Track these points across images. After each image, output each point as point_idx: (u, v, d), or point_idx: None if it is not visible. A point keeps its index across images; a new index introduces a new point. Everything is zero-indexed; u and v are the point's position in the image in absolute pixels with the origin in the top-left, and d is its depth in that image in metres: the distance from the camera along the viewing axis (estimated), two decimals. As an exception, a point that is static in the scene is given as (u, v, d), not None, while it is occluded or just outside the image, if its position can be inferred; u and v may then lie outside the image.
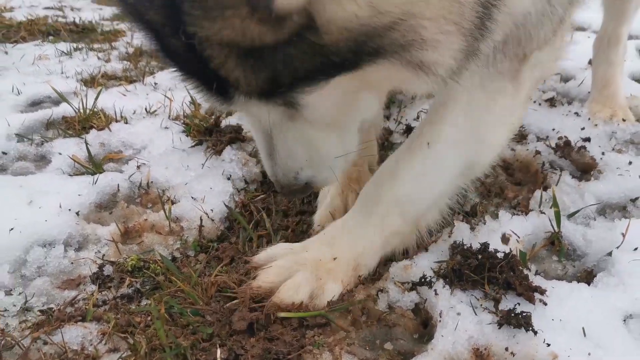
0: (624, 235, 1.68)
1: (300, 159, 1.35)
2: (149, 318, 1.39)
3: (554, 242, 1.77)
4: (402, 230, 1.60)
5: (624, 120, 2.53)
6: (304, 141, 1.32)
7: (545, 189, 2.00)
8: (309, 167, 1.37)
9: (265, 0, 0.89)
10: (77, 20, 4.13)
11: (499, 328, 1.38)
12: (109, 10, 4.64)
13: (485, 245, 1.57)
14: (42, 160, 2.28)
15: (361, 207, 1.59)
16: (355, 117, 1.36)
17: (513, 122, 1.63)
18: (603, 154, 2.25)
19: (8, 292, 1.51)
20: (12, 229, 1.71)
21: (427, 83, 1.14)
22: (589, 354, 1.32)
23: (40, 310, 1.43)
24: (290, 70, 1.03)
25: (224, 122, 2.42)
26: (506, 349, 1.34)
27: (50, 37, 3.84)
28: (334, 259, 1.51)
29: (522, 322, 1.37)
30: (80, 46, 3.61)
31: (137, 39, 3.85)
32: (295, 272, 1.46)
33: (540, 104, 2.77)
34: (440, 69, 1.11)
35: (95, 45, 3.66)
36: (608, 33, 2.64)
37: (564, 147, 2.26)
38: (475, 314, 1.42)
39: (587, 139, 2.35)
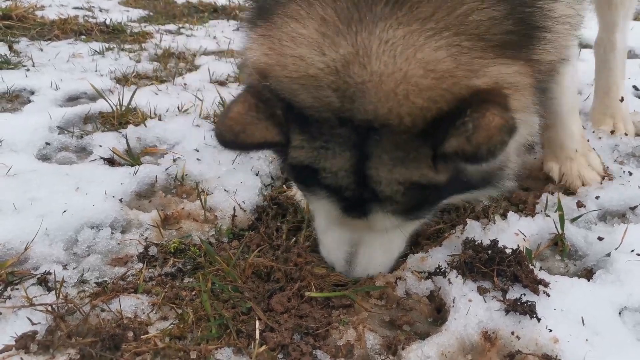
0: (622, 238, 1.84)
1: (377, 263, 1.68)
2: (193, 293, 1.55)
3: (558, 243, 1.92)
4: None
5: (626, 134, 2.66)
6: (386, 246, 1.65)
7: (551, 193, 2.16)
8: (380, 268, 1.69)
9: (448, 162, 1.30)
10: (107, 21, 4.31)
11: (506, 314, 1.54)
12: (135, 12, 4.83)
13: (495, 242, 1.73)
14: (83, 152, 2.46)
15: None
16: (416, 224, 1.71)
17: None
18: (607, 167, 2.41)
19: (64, 267, 1.67)
20: (64, 211, 1.88)
21: (492, 196, 1.72)
22: (587, 339, 1.47)
23: (96, 283, 1.60)
24: (440, 196, 1.46)
25: (252, 123, 2.58)
26: (512, 333, 1.50)
27: (83, 37, 4.02)
28: (576, 150, 2.27)
29: (527, 309, 1.53)
30: (111, 46, 3.79)
31: (165, 41, 4.04)
32: None
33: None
34: (508, 188, 1.58)
35: (126, 46, 3.84)
36: (604, 41, 2.74)
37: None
38: (485, 302, 1.57)
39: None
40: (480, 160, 1.18)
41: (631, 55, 4.15)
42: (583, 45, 4.31)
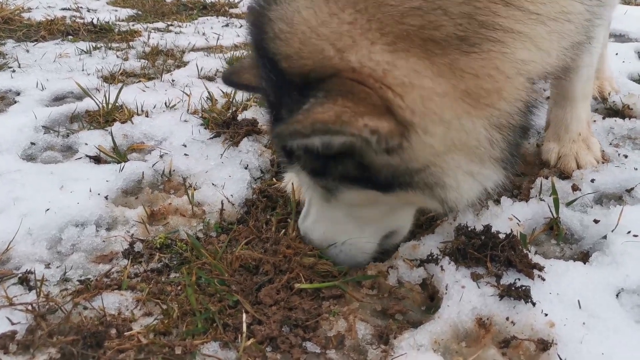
0: (618, 220, 1.80)
1: (322, 230, 1.63)
2: (179, 288, 1.52)
3: (553, 227, 1.88)
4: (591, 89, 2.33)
5: (609, 94, 2.86)
6: (327, 217, 1.61)
7: (546, 178, 2.12)
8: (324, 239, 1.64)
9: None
10: (94, 21, 4.26)
11: (500, 300, 1.50)
12: (124, 12, 4.78)
13: (487, 227, 1.69)
14: (69, 151, 2.41)
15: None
16: (389, 221, 1.64)
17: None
18: (603, 150, 2.37)
19: (47, 265, 1.63)
20: (47, 209, 1.84)
21: (446, 210, 1.47)
22: (584, 323, 1.44)
23: (79, 280, 1.56)
24: (340, 171, 1.36)
25: (240, 116, 2.54)
26: (507, 319, 1.46)
27: (70, 37, 3.97)
28: (579, 134, 2.28)
29: (521, 294, 1.50)
30: (99, 45, 3.75)
31: (153, 39, 3.99)
32: None
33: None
34: (459, 205, 1.42)
35: (114, 45, 3.80)
36: None
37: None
38: (479, 287, 1.54)
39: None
40: (284, 139, 1.22)
41: (625, 39, 4.13)
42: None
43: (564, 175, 2.21)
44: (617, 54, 3.63)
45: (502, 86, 1.28)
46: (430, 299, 1.60)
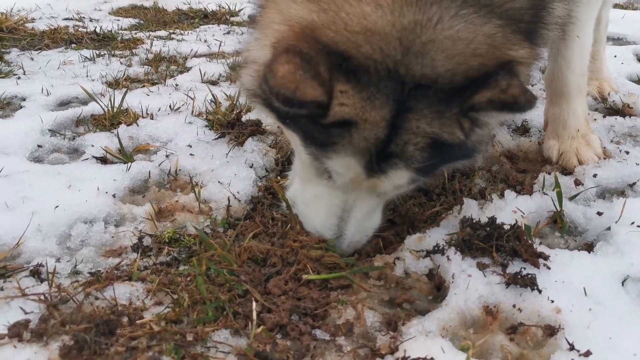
0: (621, 211, 1.82)
1: (364, 229, 1.69)
2: (188, 278, 1.53)
3: (557, 220, 1.90)
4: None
5: (609, 94, 2.90)
6: (374, 213, 1.70)
7: (548, 173, 2.14)
8: (364, 236, 1.71)
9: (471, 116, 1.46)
10: (97, 30, 4.30)
11: (507, 288, 1.52)
12: (126, 21, 4.83)
13: (492, 219, 1.71)
14: (75, 153, 2.43)
15: (557, 94, 2.36)
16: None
17: None
18: (604, 147, 2.40)
19: (57, 260, 1.65)
20: (57, 206, 1.86)
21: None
22: (590, 309, 1.45)
23: (89, 273, 1.58)
24: (443, 159, 1.53)
25: (245, 118, 2.57)
26: (514, 306, 1.48)
27: (73, 45, 4.01)
28: (577, 130, 2.36)
29: (528, 282, 1.51)
30: (102, 53, 3.78)
31: (156, 46, 4.03)
32: None
33: (537, 99, 2.91)
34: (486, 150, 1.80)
35: (117, 52, 3.83)
36: None
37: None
38: (485, 276, 1.55)
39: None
40: (520, 109, 1.39)
41: (623, 42, 4.17)
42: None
43: (567, 171, 2.23)
44: (615, 56, 3.67)
45: None
46: (437, 289, 1.62)
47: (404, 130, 1.40)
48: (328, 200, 1.63)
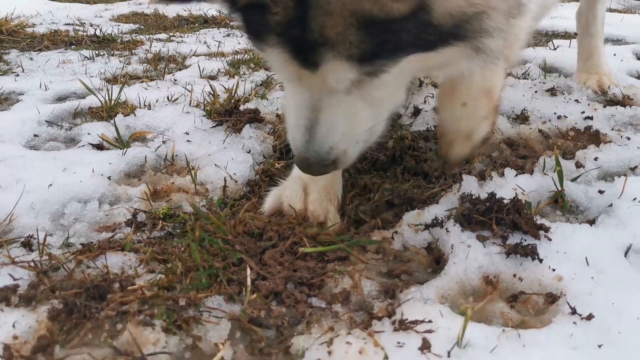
0: (623, 188, 1.80)
1: (339, 132, 1.43)
2: (182, 248, 1.50)
3: (558, 200, 1.88)
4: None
5: (609, 87, 2.91)
6: (349, 114, 1.42)
7: (549, 157, 2.11)
8: (343, 142, 1.45)
9: None
10: (97, 33, 4.32)
11: (507, 257, 1.49)
12: (126, 26, 4.84)
13: (492, 194, 1.68)
14: (72, 142, 2.42)
15: None
16: (394, 96, 1.51)
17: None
18: (605, 133, 2.38)
19: (50, 234, 1.62)
20: (50, 185, 1.83)
21: (478, 65, 1.41)
22: (592, 277, 1.42)
23: (82, 244, 1.55)
24: (396, 41, 1.22)
25: (243, 107, 2.56)
26: (514, 275, 1.44)
27: (73, 46, 4.02)
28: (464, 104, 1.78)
29: (528, 251, 1.48)
30: (102, 53, 3.79)
31: (156, 47, 4.03)
32: None
33: (537, 92, 2.90)
34: (495, 52, 1.37)
35: (116, 52, 3.84)
36: (585, 11, 3.02)
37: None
38: (484, 247, 1.52)
39: (590, 117, 2.50)
40: None
41: (622, 42, 4.18)
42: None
43: (568, 155, 2.21)
44: (615, 54, 3.68)
45: None
46: (437, 262, 1.58)
47: (316, 9, 1.14)
48: (296, 102, 1.43)
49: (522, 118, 2.56)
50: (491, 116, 1.82)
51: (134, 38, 4.25)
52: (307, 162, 1.46)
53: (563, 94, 2.89)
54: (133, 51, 3.92)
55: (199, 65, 3.37)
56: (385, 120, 1.54)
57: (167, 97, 2.76)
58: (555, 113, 2.58)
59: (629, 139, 2.32)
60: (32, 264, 1.39)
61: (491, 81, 1.76)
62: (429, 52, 1.30)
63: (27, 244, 1.52)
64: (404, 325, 1.24)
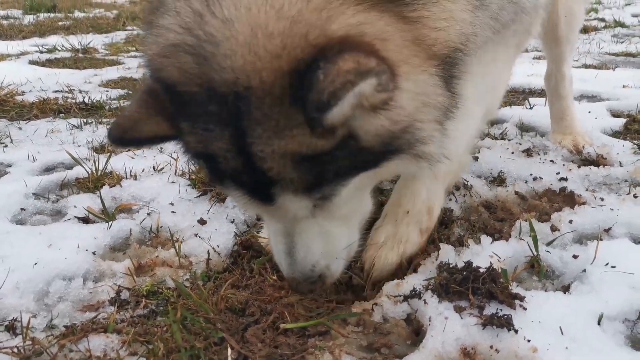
0: (595, 253, 1.85)
1: (316, 251, 1.56)
2: (164, 328, 1.52)
3: (534, 265, 1.92)
4: (451, 169, 1.91)
5: (583, 147, 2.97)
6: (322, 234, 1.55)
7: (525, 220, 2.17)
8: (324, 259, 1.58)
9: (318, 121, 1.16)
10: (86, 100, 4.40)
11: (484, 329, 1.52)
12: (115, 92, 4.93)
13: (469, 263, 1.73)
14: (58, 215, 2.45)
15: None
16: (360, 208, 1.65)
17: (509, 75, 2.24)
18: (580, 194, 2.45)
19: (34, 316, 1.64)
20: (35, 263, 1.86)
21: (423, 168, 1.49)
22: (567, 347, 1.45)
23: (65, 326, 1.57)
24: (335, 168, 1.31)
25: (227, 176, 2.61)
26: (491, 347, 1.48)
27: (61, 115, 4.08)
28: (407, 212, 1.79)
29: (504, 322, 1.52)
30: (90, 121, 3.85)
31: (143, 113, 4.11)
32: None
33: (513, 152, 2.97)
34: (435, 156, 1.45)
35: (104, 120, 3.91)
36: (553, 73, 3.11)
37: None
38: (462, 318, 1.56)
39: (565, 178, 2.57)
40: (325, 107, 1.10)
41: (597, 99, 4.30)
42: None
43: (544, 218, 2.27)
44: (589, 112, 3.78)
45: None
46: (416, 334, 1.61)
47: (254, 155, 1.23)
48: (273, 231, 1.57)
49: (499, 180, 2.63)
50: (425, 234, 1.85)
51: (122, 105, 4.33)
52: (295, 281, 1.59)
53: (539, 154, 2.97)
54: (120, 118, 3.98)
55: (184, 132, 3.43)
56: (357, 225, 1.68)
57: (153, 167, 2.82)
58: (531, 174, 2.65)
59: (602, 199, 2.38)
60: (15, 349, 1.41)
61: (433, 200, 1.86)
62: (374, 169, 1.39)
63: (11, 328, 1.54)
64: (382, 404, 1.26)
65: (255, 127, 1.20)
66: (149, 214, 2.31)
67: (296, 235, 1.52)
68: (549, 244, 2.03)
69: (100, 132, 3.61)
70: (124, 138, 1.35)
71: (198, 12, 1.21)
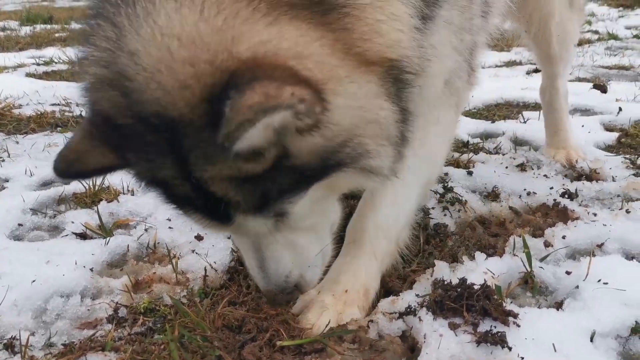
0: (588, 269, 1.87)
1: (287, 263, 1.57)
2: (162, 347, 1.54)
3: (528, 281, 1.95)
4: (389, 250, 1.87)
5: (576, 161, 3.01)
6: (289, 246, 1.55)
7: (519, 236, 2.20)
8: (296, 269, 1.60)
9: (229, 151, 1.12)
10: (83, 114, 4.42)
11: (478, 346, 1.54)
12: (111, 105, 4.96)
13: (463, 280, 1.75)
14: (56, 230, 2.47)
15: (352, 240, 1.83)
16: (325, 217, 1.63)
17: (451, 139, 2.11)
18: (573, 210, 2.48)
19: (32, 334, 1.65)
20: (33, 281, 1.87)
21: (376, 181, 1.47)
22: (559, 364, 1.48)
23: (63, 344, 1.58)
24: (277, 187, 1.30)
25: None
26: (485, 364, 1.50)
27: (59, 128, 4.11)
28: (345, 291, 1.73)
29: (498, 340, 1.54)
30: (86, 134, 3.87)
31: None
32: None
33: (507, 167, 3.00)
34: (384, 170, 1.43)
35: (101, 133, 3.93)
36: (548, 87, 3.14)
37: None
38: (456, 335, 1.57)
39: (565, 194, 2.60)
40: (232, 140, 1.08)
41: (590, 113, 4.34)
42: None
43: (537, 233, 2.29)
44: (583, 126, 3.82)
45: None
46: (411, 351, 1.63)
47: (198, 181, 1.23)
48: (241, 247, 1.60)
49: (493, 195, 2.65)
50: (363, 312, 1.76)
51: (118, 118, 4.36)
52: (271, 293, 1.62)
53: (532, 169, 3.00)
54: (117, 132, 4.00)
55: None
56: (328, 232, 1.68)
57: (150, 182, 2.83)
58: (525, 189, 2.68)
59: (595, 215, 2.41)
60: (13, 368, 1.43)
61: (370, 283, 1.81)
62: (321, 182, 1.36)
63: (9, 346, 1.56)
64: (377, 422, 1.28)
65: (190, 154, 1.20)
66: (146, 229, 2.32)
67: (264, 249, 1.52)
68: (542, 259, 2.06)
69: (97, 146, 3.63)
70: (69, 171, 1.34)
71: (110, 48, 1.21)
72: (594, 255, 2.03)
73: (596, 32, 8.04)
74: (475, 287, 1.71)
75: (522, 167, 3.01)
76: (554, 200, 2.54)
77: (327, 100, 1.18)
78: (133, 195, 2.70)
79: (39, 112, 4.41)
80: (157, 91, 1.15)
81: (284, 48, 1.16)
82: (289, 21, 1.18)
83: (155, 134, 1.20)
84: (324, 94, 1.17)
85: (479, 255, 1.99)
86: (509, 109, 4.45)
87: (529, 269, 1.95)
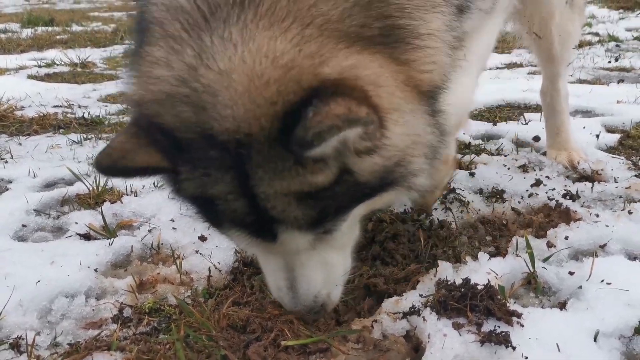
0: (591, 269, 1.88)
1: (318, 282, 1.58)
2: (167, 346, 1.55)
3: (531, 281, 1.95)
4: None
5: (578, 162, 3.01)
6: (322, 264, 1.57)
7: (522, 237, 2.20)
8: (325, 288, 1.61)
9: (299, 155, 1.21)
10: (85, 115, 4.44)
11: (482, 345, 1.54)
12: (114, 107, 4.97)
13: (467, 280, 1.76)
14: (59, 231, 2.47)
15: None
16: (354, 234, 1.67)
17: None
18: (575, 211, 2.48)
19: (38, 333, 1.66)
20: (38, 281, 1.88)
21: (411, 197, 1.60)
22: (563, 364, 1.48)
23: (69, 344, 1.59)
24: (336, 203, 1.36)
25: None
26: (489, 364, 1.50)
27: (61, 130, 4.12)
28: None
29: (501, 339, 1.55)
30: (90, 136, 3.89)
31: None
32: None
33: (509, 168, 3.01)
34: (423, 187, 1.53)
35: (104, 135, 3.94)
36: (549, 88, 3.14)
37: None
38: (460, 335, 1.58)
39: (568, 195, 2.61)
40: (308, 145, 1.15)
41: (592, 114, 4.35)
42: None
43: (540, 234, 2.30)
44: (584, 127, 3.82)
45: None
46: (415, 351, 1.64)
47: (257, 196, 1.27)
48: (272, 268, 1.59)
49: (496, 196, 2.66)
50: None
51: (121, 120, 4.37)
52: (299, 314, 1.64)
53: (534, 170, 3.00)
54: (120, 134, 4.01)
55: (184, 148, 3.46)
56: (350, 252, 1.71)
57: (154, 183, 2.84)
58: (527, 190, 2.69)
59: (597, 215, 2.41)
60: (20, 368, 1.43)
61: None
62: (370, 200, 1.44)
63: (15, 346, 1.56)
64: (382, 421, 1.28)
65: (257, 170, 1.24)
66: (150, 230, 2.33)
67: (297, 268, 1.54)
68: (545, 260, 2.06)
69: (100, 148, 3.61)
70: (116, 167, 1.35)
71: (192, 65, 1.25)
72: (596, 256, 2.04)
73: (597, 34, 8.05)
74: (479, 287, 1.72)
75: (524, 168, 3.01)
76: (556, 201, 2.54)
77: (387, 128, 1.28)
78: (136, 196, 2.70)
79: (41, 114, 4.42)
80: (243, 107, 1.21)
81: (365, 75, 1.27)
82: (369, 52, 1.30)
83: (221, 150, 1.25)
84: (385, 121, 1.27)
85: (482, 256, 2.00)
86: (510, 111, 4.45)
87: (532, 270, 1.95)
